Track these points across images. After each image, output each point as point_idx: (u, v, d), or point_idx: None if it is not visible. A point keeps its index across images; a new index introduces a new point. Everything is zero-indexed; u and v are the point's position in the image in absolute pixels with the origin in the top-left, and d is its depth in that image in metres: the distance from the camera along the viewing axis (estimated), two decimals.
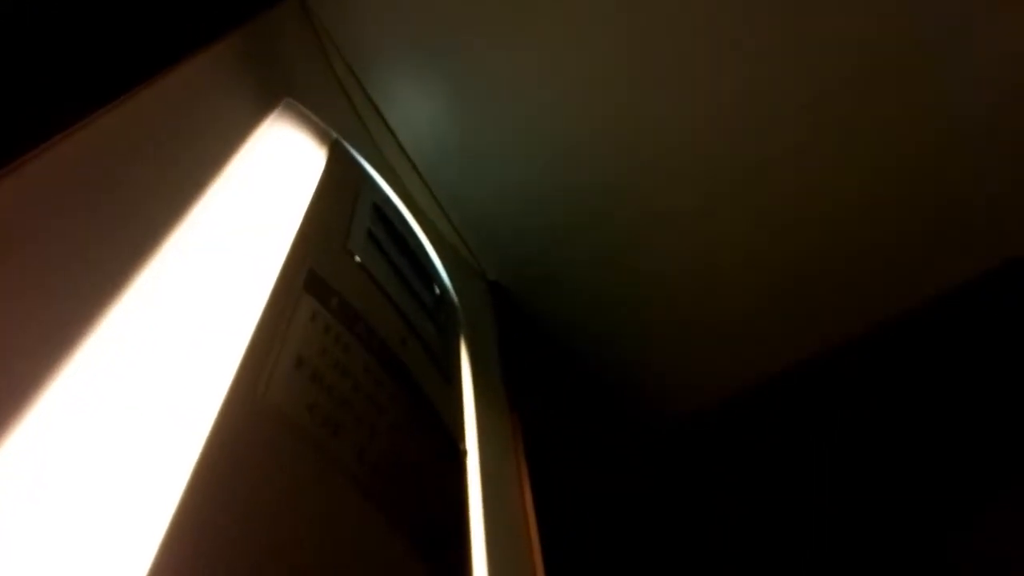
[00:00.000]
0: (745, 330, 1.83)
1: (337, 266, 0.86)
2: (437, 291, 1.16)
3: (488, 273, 1.71)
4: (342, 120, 1.37)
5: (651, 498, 1.83)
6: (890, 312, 1.83)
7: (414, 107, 1.51)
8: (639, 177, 1.59)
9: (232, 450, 0.58)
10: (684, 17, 1.42)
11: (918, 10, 1.43)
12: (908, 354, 1.94)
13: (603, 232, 1.67)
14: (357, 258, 0.91)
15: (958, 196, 1.66)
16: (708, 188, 1.59)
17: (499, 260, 1.70)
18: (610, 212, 1.64)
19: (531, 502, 1.15)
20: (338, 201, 0.97)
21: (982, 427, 1.93)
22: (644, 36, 1.44)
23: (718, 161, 1.56)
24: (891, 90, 1.53)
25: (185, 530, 0.50)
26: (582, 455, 1.58)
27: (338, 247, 0.89)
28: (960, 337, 1.91)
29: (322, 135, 1.07)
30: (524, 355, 1.59)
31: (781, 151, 1.54)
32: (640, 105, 1.52)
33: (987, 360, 1.92)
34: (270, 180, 0.89)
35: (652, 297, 1.75)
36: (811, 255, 1.72)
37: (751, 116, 1.52)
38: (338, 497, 0.65)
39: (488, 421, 1.20)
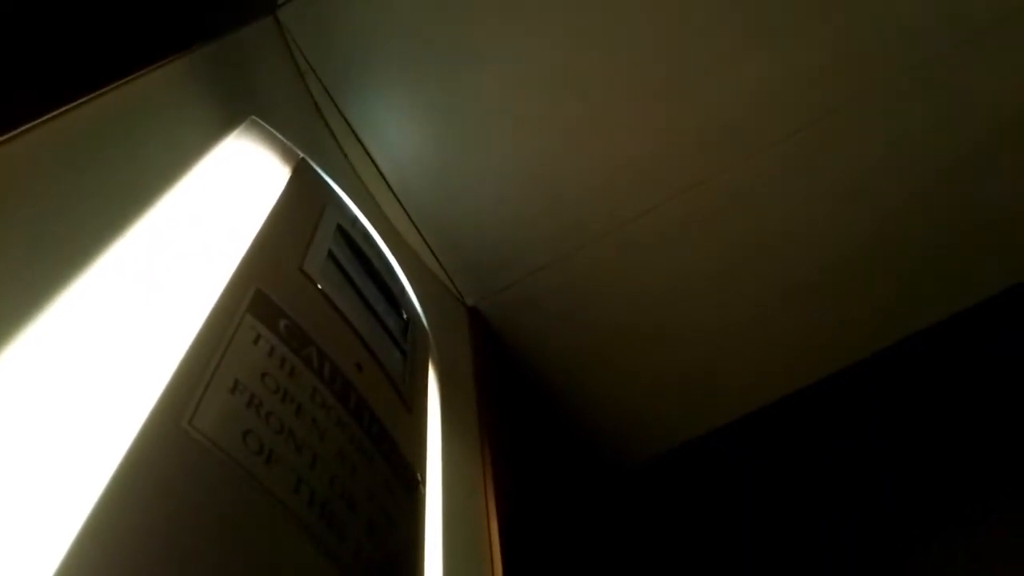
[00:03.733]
0: (718, 368, 1.81)
1: (289, 287, 0.82)
2: (404, 316, 1.13)
3: (467, 299, 1.68)
4: (316, 141, 1.35)
5: (619, 535, 1.78)
6: (855, 356, 1.83)
7: (394, 131, 1.49)
8: (619, 206, 1.57)
9: (149, 475, 0.54)
10: (667, 53, 1.42)
11: (914, 37, 1.44)
12: (866, 400, 1.94)
13: (587, 259, 1.64)
14: (314, 280, 0.87)
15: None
16: (683, 217, 1.58)
17: (478, 286, 1.66)
18: (591, 240, 1.62)
19: (498, 537, 1.10)
20: (298, 221, 0.94)
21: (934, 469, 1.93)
22: (628, 72, 1.44)
23: (695, 191, 1.55)
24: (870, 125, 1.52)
25: (88, 556, 0.46)
26: (554, 489, 1.53)
27: (292, 268, 0.86)
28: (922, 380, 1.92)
29: (287, 154, 1.04)
30: (500, 383, 1.55)
31: (754, 184, 1.54)
32: (622, 136, 1.51)
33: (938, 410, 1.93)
34: (226, 198, 0.86)
35: (628, 332, 1.72)
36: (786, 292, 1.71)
37: (729, 148, 1.52)
38: (268, 528, 0.61)
39: (456, 452, 1.16)
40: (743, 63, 1.42)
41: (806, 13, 1.39)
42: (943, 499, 1.91)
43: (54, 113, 0.65)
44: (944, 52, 1.44)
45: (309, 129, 1.35)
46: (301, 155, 1.07)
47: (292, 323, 0.78)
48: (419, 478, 0.91)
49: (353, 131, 1.45)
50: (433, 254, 1.60)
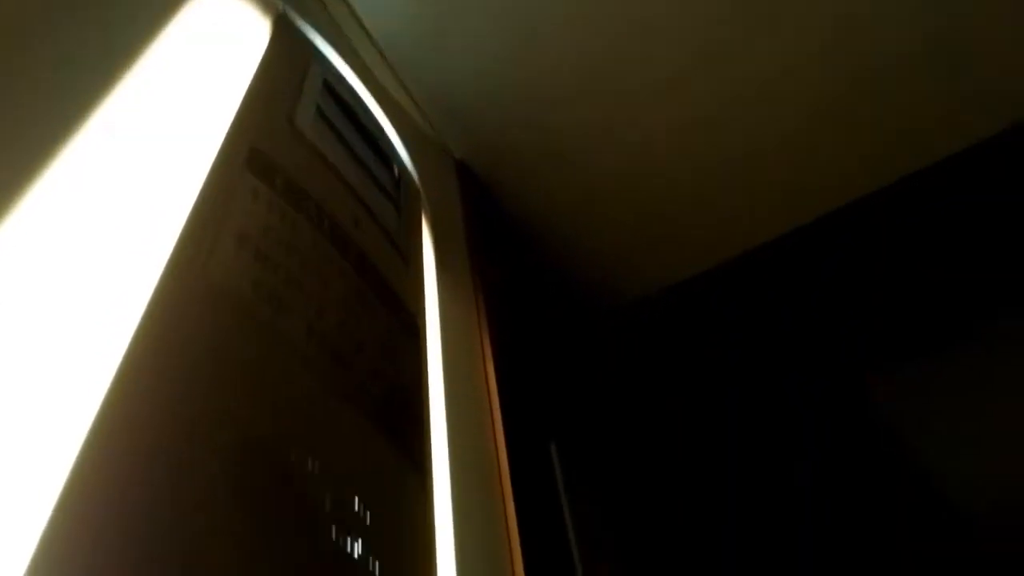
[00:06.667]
0: (698, 215, 1.86)
1: (282, 143, 0.84)
2: (396, 171, 1.15)
3: (454, 152, 1.68)
4: None
5: (608, 374, 1.89)
6: (833, 203, 1.88)
7: None
8: (606, 59, 1.54)
9: (169, 324, 0.58)
10: None
11: None
12: (850, 240, 2.00)
13: (571, 112, 1.63)
14: (306, 136, 0.89)
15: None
16: (669, 72, 1.56)
17: (465, 139, 1.66)
18: (579, 92, 1.60)
19: (494, 376, 1.18)
20: (284, 76, 0.94)
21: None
22: None
23: (682, 42, 1.53)
24: None
25: (121, 397, 0.50)
26: (544, 330, 1.61)
27: (284, 124, 0.87)
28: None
29: (266, 7, 1.02)
30: (489, 233, 1.59)
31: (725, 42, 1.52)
32: None
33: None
34: (208, 55, 0.86)
35: (614, 181, 1.75)
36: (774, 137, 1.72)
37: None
38: (283, 370, 0.66)
39: (452, 301, 1.22)
40: None
41: None
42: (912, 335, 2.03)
43: None
44: None
45: None
46: (281, 7, 1.04)
47: (288, 179, 0.80)
48: (419, 322, 0.97)
49: None
50: (419, 108, 1.59)
